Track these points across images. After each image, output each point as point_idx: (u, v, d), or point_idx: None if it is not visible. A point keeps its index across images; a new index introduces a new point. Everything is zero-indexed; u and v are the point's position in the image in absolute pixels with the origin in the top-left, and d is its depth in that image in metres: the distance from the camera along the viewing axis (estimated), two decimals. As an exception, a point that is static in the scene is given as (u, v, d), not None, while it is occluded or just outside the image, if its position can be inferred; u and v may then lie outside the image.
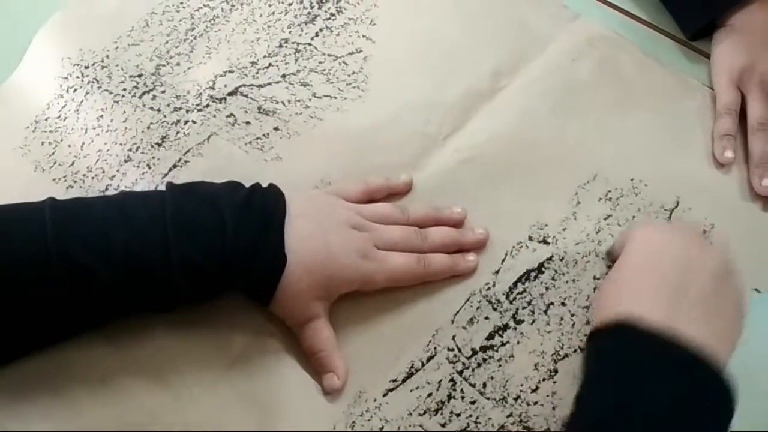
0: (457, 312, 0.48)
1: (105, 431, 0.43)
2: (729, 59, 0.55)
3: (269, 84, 0.56)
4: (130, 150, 0.53)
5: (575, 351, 0.47)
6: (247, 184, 0.46)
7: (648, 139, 0.54)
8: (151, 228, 0.42)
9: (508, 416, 0.45)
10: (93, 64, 0.56)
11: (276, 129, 0.54)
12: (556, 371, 0.46)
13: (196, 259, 0.42)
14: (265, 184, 0.47)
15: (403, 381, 0.46)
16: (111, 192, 0.51)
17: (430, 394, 0.45)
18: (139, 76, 0.56)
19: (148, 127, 0.54)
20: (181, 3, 0.61)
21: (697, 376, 0.37)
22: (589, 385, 0.39)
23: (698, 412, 0.36)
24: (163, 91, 0.56)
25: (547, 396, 0.45)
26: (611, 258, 0.49)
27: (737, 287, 0.42)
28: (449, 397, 0.45)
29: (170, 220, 0.42)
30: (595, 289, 0.49)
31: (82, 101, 0.55)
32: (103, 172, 0.52)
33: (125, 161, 0.53)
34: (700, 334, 0.38)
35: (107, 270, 0.41)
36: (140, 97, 0.55)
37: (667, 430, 0.36)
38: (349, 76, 0.57)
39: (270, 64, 0.57)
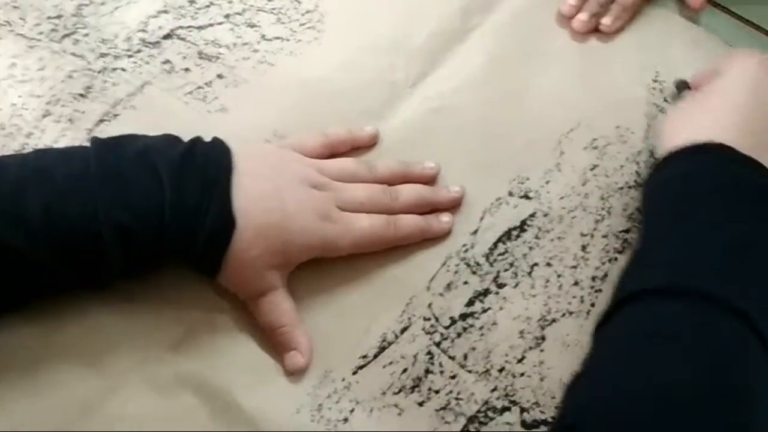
0: (433, 277, 0.43)
1: (29, 431, 0.37)
2: None
3: (210, 25, 0.50)
4: (48, 103, 0.46)
5: (563, 315, 0.42)
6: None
7: (633, 83, 0.50)
8: (74, 189, 0.36)
9: (493, 390, 0.40)
10: (4, 5, 0.49)
11: (220, 76, 0.48)
12: (543, 338, 0.42)
13: (129, 224, 0.36)
14: (208, 139, 0.40)
15: (375, 357, 0.41)
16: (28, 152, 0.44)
17: (405, 370, 0.41)
18: (58, 17, 0.49)
19: (70, 76, 0.47)
20: (106, -66, 0.53)
21: None
22: (665, 215, 0.36)
23: None
24: (87, 35, 0.49)
25: (535, 366, 0.41)
26: (684, 86, 0.46)
27: None
28: (427, 372, 0.41)
29: (96, 179, 0.36)
30: (583, 246, 0.44)
31: (-11, 47, 0.47)
32: (18, 129, 0.45)
33: (43, 116, 0.46)
34: None
35: (25, 241, 0.35)
36: (59, 42, 0.48)
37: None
38: (302, 15, 0.50)
39: (211, 3, 0.51)
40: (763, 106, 0.39)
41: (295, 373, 0.40)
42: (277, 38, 0.49)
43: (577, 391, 0.33)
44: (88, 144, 0.39)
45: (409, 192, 0.44)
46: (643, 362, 0.31)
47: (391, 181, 0.44)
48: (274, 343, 0.40)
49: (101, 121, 0.46)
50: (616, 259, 0.44)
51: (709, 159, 0.37)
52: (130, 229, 0.36)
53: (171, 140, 0.40)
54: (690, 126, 0.39)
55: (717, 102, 0.40)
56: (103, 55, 0.48)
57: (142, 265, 0.38)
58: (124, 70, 0.47)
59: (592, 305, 0.43)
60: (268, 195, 0.39)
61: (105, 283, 0.38)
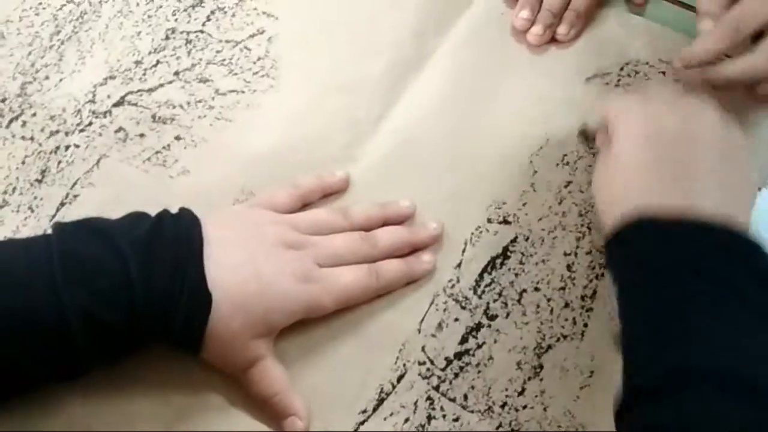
0: (423, 319, 0.42)
1: None
2: None
3: (161, 86, 0.48)
4: (5, 193, 0.45)
5: (558, 340, 0.42)
6: (154, 209, 0.39)
7: (595, 91, 0.49)
8: (35, 279, 0.35)
9: (498, 427, 0.40)
10: (-56, 93, 0.47)
11: (178, 138, 0.46)
12: (541, 367, 0.41)
13: (97, 312, 0.35)
14: (174, 207, 0.40)
15: (374, 410, 0.40)
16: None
17: (407, 419, 0.40)
18: (3, 100, 0.47)
19: (23, 162, 0.45)
20: (40, 3, 0.51)
21: (735, 250, 0.35)
22: (634, 303, 0.36)
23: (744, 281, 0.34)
24: (34, 114, 0.47)
25: (536, 396, 0.41)
26: (586, 136, 0.46)
27: (739, 139, 0.39)
28: (429, 418, 0.40)
29: (58, 265, 0.35)
30: (568, 266, 0.44)
31: (-66, 141, 0.45)
32: (-25, 224, 0.43)
33: (0, 207, 0.44)
34: (721, 203, 0.36)
35: None
36: (7, 127, 0.47)
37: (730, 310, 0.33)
38: (254, 63, 0.49)
39: (158, 62, 0.49)
40: (663, 153, 0.38)
41: (296, 440, 0.39)
42: (232, 91, 0.48)
43: None
44: (49, 231, 0.37)
45: (388, 236, 0.43)
46: None
47: (368, 226, 0.43)
48: (270, 412, 0.39)
49: (62, 204, 0.44)
50: (602, 274, 0.44)
51: (643, 241, 0.36)
52: (101, 319, 0.35)
53: (136, 218, 0.38)
54: (617, 196, 0.38)
55: (625, 166, 0.38)
56: (53, 133, 0.46)
57: (115, 351, 0.37)
58: (77, 146, 0.46)
59: (585, 325, 0.42)
60: (243, 263, 0.38)
61: (77, 374, 0.37)
